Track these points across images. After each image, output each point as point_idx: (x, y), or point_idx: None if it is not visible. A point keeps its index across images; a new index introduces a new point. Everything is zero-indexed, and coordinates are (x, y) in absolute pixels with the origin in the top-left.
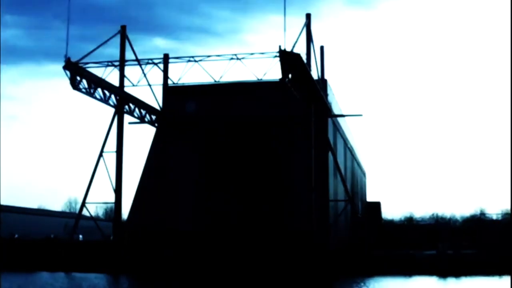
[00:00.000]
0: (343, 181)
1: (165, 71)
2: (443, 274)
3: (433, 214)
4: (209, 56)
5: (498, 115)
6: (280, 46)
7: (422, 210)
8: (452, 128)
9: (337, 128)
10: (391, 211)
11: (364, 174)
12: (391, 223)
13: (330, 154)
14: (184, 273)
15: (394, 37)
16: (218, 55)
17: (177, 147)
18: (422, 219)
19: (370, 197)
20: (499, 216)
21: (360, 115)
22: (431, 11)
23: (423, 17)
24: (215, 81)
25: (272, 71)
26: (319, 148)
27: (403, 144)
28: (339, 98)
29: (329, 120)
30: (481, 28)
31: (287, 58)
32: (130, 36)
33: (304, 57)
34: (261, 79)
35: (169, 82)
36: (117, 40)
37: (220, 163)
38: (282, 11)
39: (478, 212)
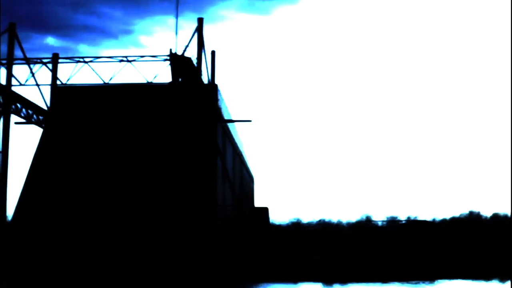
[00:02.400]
0: (231, 187)
1: (54, 71)
2: (329, 280)
3: (320, 220)
4: (98, 58)
5: (383, 117)
6: (171, 50)
7: (309, 215)
8: (340, 133)
9: (227, 134)
10: (279, 216)
11: (252, 179)
12: (279, 228)
13: (218, 159)
14: (67, 275)
15: (287, 43)
16: (108, 57)
17: (64, 148)
18: (310, 224)
19: (258, 203)
20: (384, 223)
21: (249, 120)
22: (327, 18)
23: (316, 25)
24: (105, 82)
25: (164, 74)
26: (208, 153)
27: (291, 149)
28: (230, 103)
29: (219, 125)
30: (364, 29)
31: (178, 62)
32: (22, 34)
33: (196, 61)
34: (151, 82)
35: (59, 82)
36: (6, 37)
37: (108, 165)
38: (180, 14)
39: (364, 218)
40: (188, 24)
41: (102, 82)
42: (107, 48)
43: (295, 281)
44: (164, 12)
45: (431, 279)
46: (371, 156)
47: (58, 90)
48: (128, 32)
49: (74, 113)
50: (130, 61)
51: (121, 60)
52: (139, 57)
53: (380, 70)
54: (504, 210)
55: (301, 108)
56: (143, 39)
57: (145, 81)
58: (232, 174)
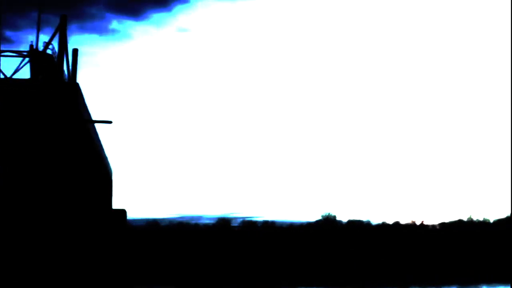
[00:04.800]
0: (89, 189)
1: None
2: (186, 284)
3: (179, 222)
4: None
5: (237, 116)
6: (31, 46)
7: (169, 214)
8: (198, 133)
9: (86, 134)
10: (140, 215)
11: (111, 181)
12: (137, 229)
13: (76, 159)
14: None
15: (155, 46)
16: None
17: None
18: (169, 224)
19: (117, 204)
20: (240, 225)
21: (110, 122)
22: (197, 28)
23: (186, 33)
24: None
25: (24, 71)
26: (65, 152)
27: (152, 149)
28: (92, 104)
29: (78, 125)
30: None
31: (38, 58)
32: None
33: (57, 59)
34: (10, 77)
35: None
36: None
37: None
38: (46, 9)
39: (224, 218)
40: (56, 20)
41: None
42: None
43: (151, 285)
44: (32, 6)
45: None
46: (230, 155)
47: None
48: None
49: None
50: None
51: None
52: None
53: (245, 68)
54: (359, 216)
55: (162, 109)
56: (8, 32)
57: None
58: (91, 176)
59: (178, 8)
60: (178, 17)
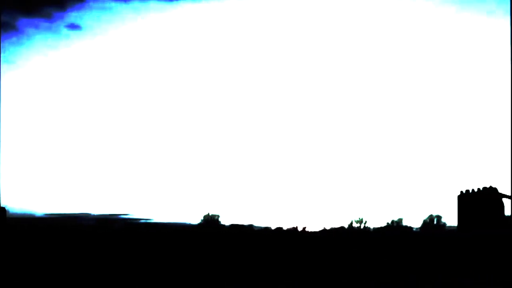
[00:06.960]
0: None
1: None
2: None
3: (59, 220)
4: None
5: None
6: None
7: (49, 212)
8: (84, 128)
9: None
10: (18, 214)
11: None
12: (16, 227)
13: None
14: None
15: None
16: None
17: None
18: (49, 223)
19: None
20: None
21: None
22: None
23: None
24: None
25: None
26: None
27: (35, 145)
28: None
29: None
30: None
31: None
32: None
33: None
34: None
35: None
36: None
37: None
38: None
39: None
40: None
41: None
42: None
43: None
44: None
45: None
46: (114, 153)
47: None
48: None
49: None
50: None
51: None
52: None
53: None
54: (243, 220)
55: (50, 104)
56: None
57: None
58: None
59: (69, 4)
60: (69, 13)
